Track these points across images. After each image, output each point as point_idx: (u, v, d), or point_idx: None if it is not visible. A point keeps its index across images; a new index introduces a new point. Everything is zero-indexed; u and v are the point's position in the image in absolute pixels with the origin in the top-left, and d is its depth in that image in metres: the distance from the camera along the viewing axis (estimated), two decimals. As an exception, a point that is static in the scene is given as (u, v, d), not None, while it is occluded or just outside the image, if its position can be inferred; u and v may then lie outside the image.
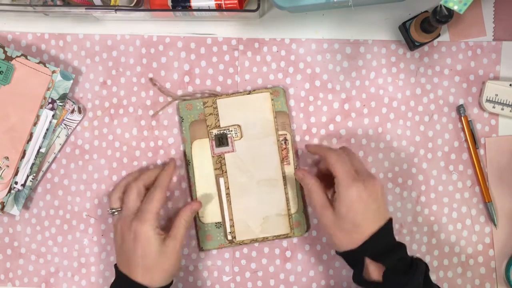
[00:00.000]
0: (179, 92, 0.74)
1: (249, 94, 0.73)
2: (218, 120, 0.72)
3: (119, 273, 0.67)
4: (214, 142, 0.73)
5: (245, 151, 0.73)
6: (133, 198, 0.68)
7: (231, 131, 0.73)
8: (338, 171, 0.64)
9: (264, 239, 0.73)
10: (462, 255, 0.74)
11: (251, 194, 0.73)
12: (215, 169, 0.73)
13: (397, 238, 0.74)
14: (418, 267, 0.62)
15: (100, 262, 0.75)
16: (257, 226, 0.73)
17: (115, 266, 0.68)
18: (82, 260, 0.75)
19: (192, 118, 0.73)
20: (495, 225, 0.74)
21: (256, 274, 0.75)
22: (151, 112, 0.75)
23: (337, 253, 0.66)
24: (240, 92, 0.73)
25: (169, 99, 0.74)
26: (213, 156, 0.73)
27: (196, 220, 0.74)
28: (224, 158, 0.73)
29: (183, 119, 0.73)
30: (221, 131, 0.73)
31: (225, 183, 0.73)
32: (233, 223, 0.72)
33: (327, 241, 0.74)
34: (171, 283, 0.68)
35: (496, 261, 0.74)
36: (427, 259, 0.74)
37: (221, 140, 0.73)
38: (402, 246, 0.64)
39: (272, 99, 0.73)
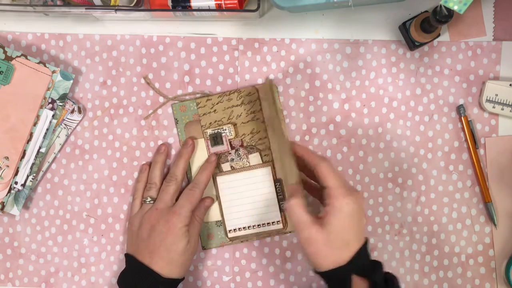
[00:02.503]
0: (178, 92, 0.74)
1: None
2: (278, 103, 0.72)
3: (135, 262, 0.67)
4: (209, 142, 0.73)
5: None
6: (171, 193, 0.70)
7: (225, 130, 0.73)
8: (332, 183, 0.61)
9: (259, 235, 0.73)
10: (462, 255, 0.74)
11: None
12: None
13: (397, 238, 0.75)
14: (395, 282, 0.62)
15: (100, 262, 0.75)
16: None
17: (128, 255, 0.69)
18: (82, 260, 0.75)
19: (187, 119, 0.74)
20: (495, 225, 0.74)
21: (256, 274, 0.75)
22: (150, 112, 0.75)
23: (318, 272, 0.61)
24: (228, 92, 0.73)
25: (161, 99, 0.74)
26: (209, 156, 0.73)
27: None
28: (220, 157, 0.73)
29: (177, 120, 0.74)
30: (216, 131, 0.73)
31: (220, 183, 0.74)
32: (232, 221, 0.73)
33: (306, 259, 0.69)
34: (181, 280, 0.69)
35: (496, 261, 0.74)
36: (427, 259, 0.74)
37: (216, 139, 0.73)
38: (380, 262, 0.63)
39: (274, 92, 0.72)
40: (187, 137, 0.74)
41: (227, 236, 0.73)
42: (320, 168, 0.62)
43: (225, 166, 0.74)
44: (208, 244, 0.74)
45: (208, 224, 0.74)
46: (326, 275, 0.61)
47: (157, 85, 0.74)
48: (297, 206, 0.61)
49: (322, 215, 0.61)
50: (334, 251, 0.60)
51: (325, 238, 0.59)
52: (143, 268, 0.66)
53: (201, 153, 0.74)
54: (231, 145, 0.74)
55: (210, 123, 0.73)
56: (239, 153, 0.73)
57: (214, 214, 0.74)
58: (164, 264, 0.66)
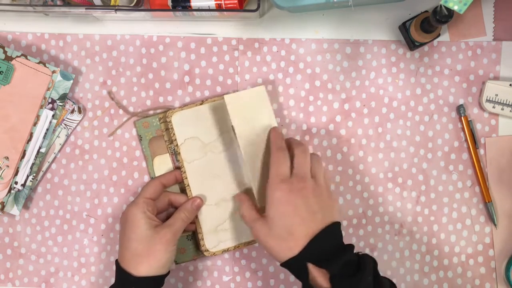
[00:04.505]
0: (179, 92, 0.75)
1: (201, 104, 0.72)
2: (174, 134, 0.71)
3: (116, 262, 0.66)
4: (174, 157, 0.73)
5: (205, 163, 0.72)
6: (144, 191, 0.69)
7: None
8: (270, 172, 0.62)
9: (236, 248, 0.72)
10: (462, 255, 0.74)
11: (217, 204, 0.71)
12: (179, 183, 0.73)
13: (397, 238, 0.74)
14: (367, 266, 0.58)
15: (100, 262, 0.75)
16: (227, 235, 0.71)
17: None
18: (82, 260, 0.75)
19: (150, 135, 0.73)
20: (495, 225, 0.74)
21: (256, 274, 0.75)
22: (113, 131, 0.75)
23: (281, 265, 0.61)
24: (193, 103, 0.72)
25: (119, 114, 0.74)
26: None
27: None
28: (185, 172, 0.71)
29: (141, 137, 0.73)
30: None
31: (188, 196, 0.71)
32: (203, 236, 0.71)
33: (270, 255, 0.66)
34: (162, 277, 0.65)
35: (496, 261, 0.74)
36: (427, 259, 0.74)
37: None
38: (348, 248, 0.60)
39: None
40: (152, 153, 0.73)
41: (199, 249, 0.72)
42: (271, 156, 0.63)
43: (193, 180, 0.72)
44: (179, 259, 0.73)
45: (179, 238, 0.69)
46: (287, 267, 0.61)
47: (157, 85, 0.75)
48: (245, 208, 0.64)
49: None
50: (280, 241, 0.60)
51: (267, 230, 0.61)
52: (117, 267, 0.65)
53: (168, 168, 0.73)
54: None
55: (172, 137, 0.72)
56: None
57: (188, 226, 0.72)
58: (130, 257, 0.64)
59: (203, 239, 0.71)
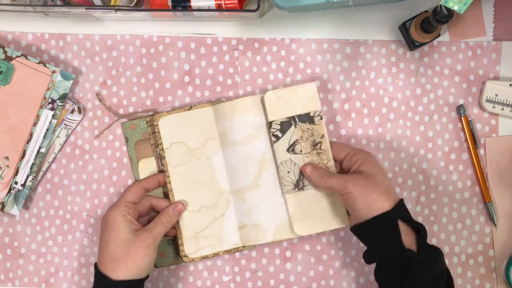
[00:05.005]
0: (179, 92, 0.75)
1: (189, 109, 0.71)
2: (160, 138, 0.71)
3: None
4: (159, 160, 0.73)
5: (190, 168, 0.71)
6: (125, 194, 0.68)
7: None
8: (348, 147, 0.68)
9: (215, 255, 0.71)
10: (462, 255, 0.74)
11: (199, 211, 0.71)
12: (163, 186, 0.72)
13: (397, 238, 0.74)
14: (436, 246, 0.63)
15: (100, 262, 0.75)
16: (207, 242, 0.71)
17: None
18: (82, 260, 0.75)
19: (137, 138, 0.73)
20: (495, 225, 0.74)
21: (256, 274, 0.75)
22: (100, 132, 0.75)
23: (364, 227, 0.62)
24: (181, 108, 0.72)
25: (103, 116, 0.74)
26: None
27: None
28: (169, 176, 0.71)
29: (128, 139, 0.73)
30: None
31: (171, 201, 0.71)
32: (182, 241, 0.71)
33: (355, 212, 0.64)
34: (141, 281, 0.65)
35: (496, 261, 0.74)
36: (427, 259, 0.74)
37: None
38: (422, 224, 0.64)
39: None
40: (137, 155, 0.73)
41: (178, 254, 0.72)
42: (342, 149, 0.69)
43: (176, 184, 0.72)
44: (159, 263, 0.73)
45: (159, 242, 0.70)
46: (368, 226, 0.62)
47: (157, 85, 0.75)
48: (323, 171, 0.67)
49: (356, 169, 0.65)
50: (381, 192, 0.62)
51: (367, 182, 0.63)
52: (96, 272, 0.65)
53: (152, 172, 0.73)
54: None
55: (159, 141, 0.72)
56: None
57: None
58: (108, 261, 0.63)
59: (182, 245, 0.70)
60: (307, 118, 0.69)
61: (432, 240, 0.74)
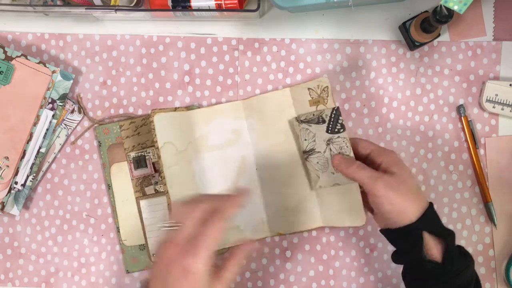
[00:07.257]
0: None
1: (175, 110, 0.70)
2: (155, 135, 0.68)
3: None
4: (132, 165, 0.73)
5: (179, 171, 0.69)
6: (193, 222, 0.56)
7: (149, 153, 0.72)
8: (373, 145, 0.65)
9: None
10: (462, 255, 0.74)
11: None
12: (135, 191, 0.72)
13: (397, 238, 0.74)
14: (469, 253, 0.61)
15: (100, 262, 0.75)
16: None
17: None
18: (82, 260, 0.75)
19: (110, 142, 0.73)
20: (495, 225, 0.74)
21: (256, 274, 0.75)
22: (75, 139, 0.75)
23: (389, 231, 0.61)
24: (169, 109, 0.71)
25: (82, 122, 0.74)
26: (132, 179, 0.73)
27: (120, 243, 0.73)
28: (164, 177, 0.68)
29: (100, 143, 0.73)
30: (139, 153, 0.72)
31: (143, 206, 0.71)
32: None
33: (380, 218, 0.63)
34: None
35: (496, 261, 0.74)
36: (427, 259, 0.74)
37: (139, 162, 0.72)
38: (453, 231, 0.61)
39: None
40: (110, 160, 0.72)
41: (150, 260, 0.72)
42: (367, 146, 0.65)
43: (149, 189, 0.72)
44: (131, 268, 0.73)
45: (130, 248, 0.73)
46: (394, 234, 0.61)
47: (157, 85, 0.75)
48: (358, 165, 0.63)
49: (381, 171, 0.62)
50: (406, 199, 0.60)
51: (396, 185, 0.60)
52: None
53: (125, 176, 0.73)
54: (154, 168, 0.73)
55: (134, 146, 0.72)
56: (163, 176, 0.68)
57: (137, 238, 0.73)
58: None
59: (155, 250, 0.71)
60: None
61: (432, 240, 0.74)
